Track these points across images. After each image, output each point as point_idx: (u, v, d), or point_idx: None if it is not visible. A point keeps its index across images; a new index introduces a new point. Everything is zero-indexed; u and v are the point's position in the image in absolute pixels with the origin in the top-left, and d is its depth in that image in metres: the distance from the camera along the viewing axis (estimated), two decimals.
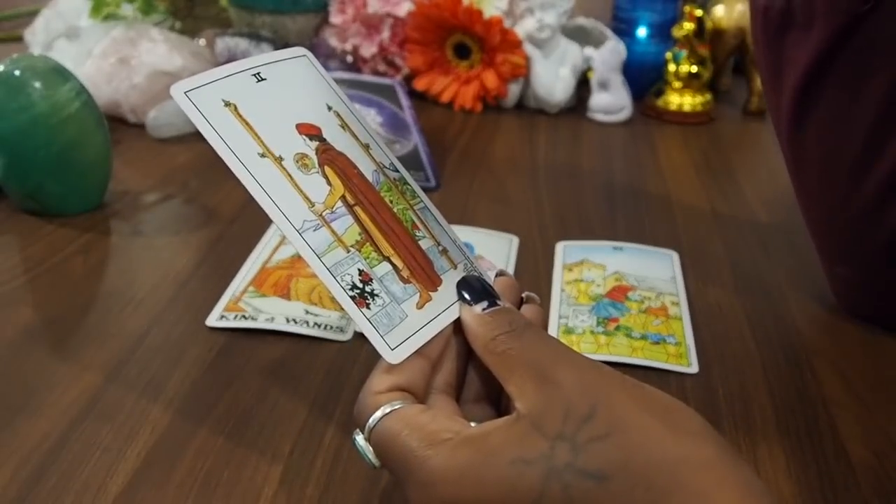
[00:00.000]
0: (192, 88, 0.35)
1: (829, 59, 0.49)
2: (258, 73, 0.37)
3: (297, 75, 0.39)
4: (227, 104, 0.36)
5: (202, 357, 0.51)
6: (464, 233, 0.66)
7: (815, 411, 0.48)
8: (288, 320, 0.54)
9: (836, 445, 0.45)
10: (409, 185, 0.40)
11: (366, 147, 0.39)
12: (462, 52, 0.97)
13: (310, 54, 0.40)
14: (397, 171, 0.40)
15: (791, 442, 0.45)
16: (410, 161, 0.76)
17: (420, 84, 0.99)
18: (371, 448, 0.33)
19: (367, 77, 0.90)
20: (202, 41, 1.01)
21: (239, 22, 1.02)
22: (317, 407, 0.47)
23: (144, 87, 0.86)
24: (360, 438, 0.34)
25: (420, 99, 0.99)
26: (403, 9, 0.96)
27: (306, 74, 0.40)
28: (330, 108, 0.39)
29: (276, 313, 0.54)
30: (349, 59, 1.00)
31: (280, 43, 0.98)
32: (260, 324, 0.54)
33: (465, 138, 0.90)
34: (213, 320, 0.54)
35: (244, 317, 0.54)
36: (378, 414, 0.33)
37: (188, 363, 0.50)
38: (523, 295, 0.39)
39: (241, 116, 0.36)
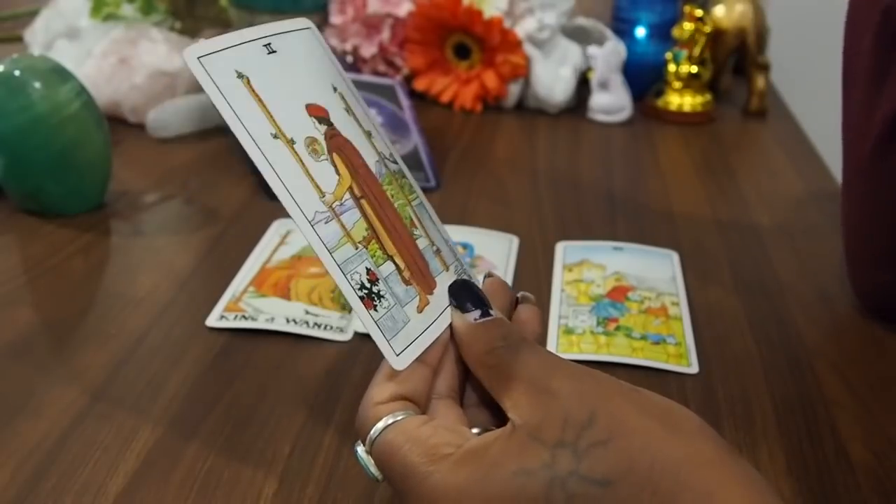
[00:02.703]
0: (206, 54, 0.33)
1: None
2: (269, 45, 0.35)
3: (303, 50, 0.37)
4: (241, 76, 0.33)
5: (202, 357, 0.51)
6: (464, 233, 0.66)
7: (815, 412, 0.48)
8: (288, 320, 0.54)
9: (836, 445, 0.45)
10: (406, 178, 0.38)
11: (368, 134, 0.38)
12: (462, 52, 0.97)
13: (314, 27, 0.38)
14: (396, 162, 0.39)
15: (791, 442, 0.45)
16: (410, 161, 0.76)
17: (420, 84, 0.99)
18: (373, 460, 0.33)
19: (367, 77, 0.90)
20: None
21: (239, 22, 1.01)
22: (317, 407, 0.47)
23: (144, 87, 0.86)
24: (361, 450, 0.33)
25: (420, 99, 0.99)
26: (403, 9, 0.96)
27: (312, 50, 0.37)
28: (335, 90, 0.37)
29: (276, 313, 0.54)
30: (349, 59, 1.00)
31: None
32: (260, 324, 0.54)
33: (465, 138, 0.90)
34: (213, 320, 0.54)
35: (244, 317, 0.54)
36: (380, 425, 0.32)
37: (188, 363, 0.50)
38: (518, 295, 0.39)
39: (254, 91, 0.33)
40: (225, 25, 1.03)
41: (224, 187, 0.74)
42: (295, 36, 0.37)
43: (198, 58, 0.33)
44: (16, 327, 0.53)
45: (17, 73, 0.64)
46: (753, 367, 0.52)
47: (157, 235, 0.67)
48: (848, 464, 0.44)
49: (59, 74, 0.65)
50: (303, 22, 0.38)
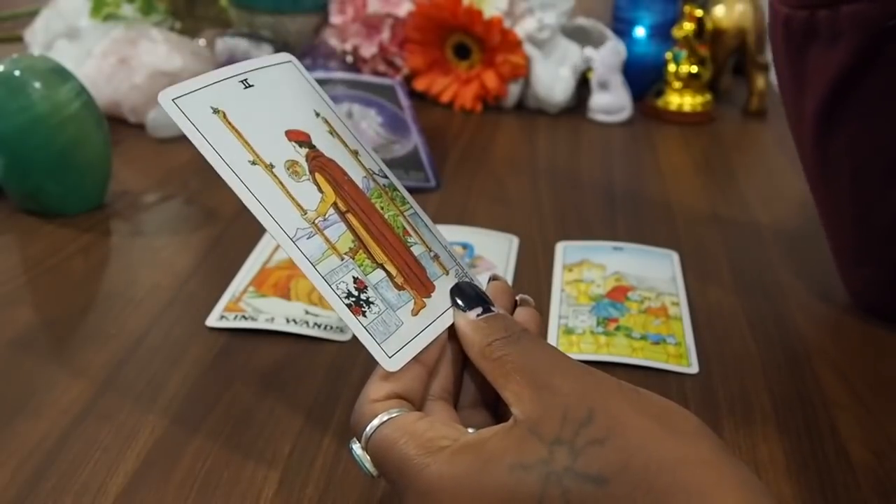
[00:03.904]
0: (180, 95, 0.35)
1: (859, 73, 0.48)
2: (245, 80, 0.37)
3: (283, 81, 0.39)
4: (216, 111, 0.35)
5: (202, 357, 0.51)
6: (464, 233, 0.66)
7: (815, 411, 0.48)
8: (288, 320, 0.54)
9: (836, 445, 0.45)
10: (398, 191, 0.40)
11: (354, 153, 0.39)
12: (462, 52, 0.97)
13: (295, 60, 0.40)
14: (386, 177, 0.40)
15: (791, 442, 0.45)
16: (410, 161, 0.76)
17: (420, 84, 0.99)
18: (368, 457, 0.33)
19: (367, 77, 0.90)
20: (202, 41, 1.01)
21: (239, 22, 1.02)
22: (317, 407, 0.47)
23: (144, 87, 0.86)
24: (356, 447, 0.34)
25: (420, 99, 0.99)
26: (403, 9, 0.96)
27: (292, 80, 0.39)
28: (318, 115, 0.39)
29: (276, 313, 0.54)
30: (349, 59, 1.00)
31: (280, 43, 0.98)
32: (260, 324, 0.54)
33: (465, 138, 0.90)
34: (213, 320, 0.54)
35: (244, 317, 0.54)
36: (375, 422, 0.33)
37: (188, 363, 0.50)
38: (517, 298, 0.39)
39: (230, 124, 0.36)
40: (225, 25, 1.04)
41: (224, 187, 0.73)
42: (274, 69, 0.39)
43: (172, 99, 0.35)
44: (16, 327, 0.53)
45: (17, 73, 0.64)
46: (753, 367, 0.52)
47: (157, 235, 0.67)
48: (848, 464, 0.44)
49: (59, 74, 0.65)
50: (283, 56, 0.40)
